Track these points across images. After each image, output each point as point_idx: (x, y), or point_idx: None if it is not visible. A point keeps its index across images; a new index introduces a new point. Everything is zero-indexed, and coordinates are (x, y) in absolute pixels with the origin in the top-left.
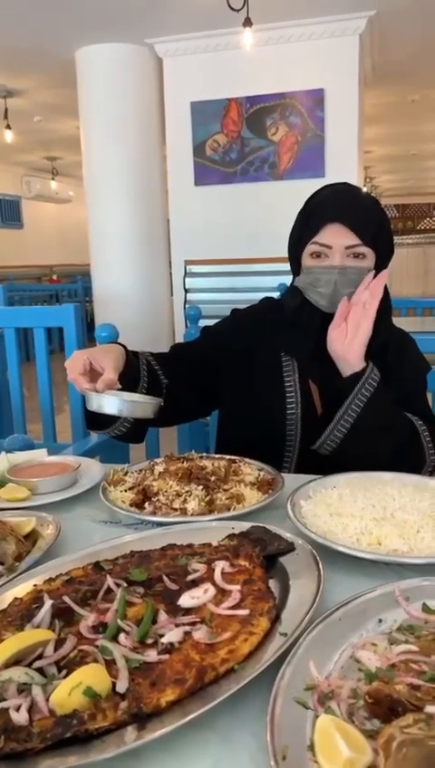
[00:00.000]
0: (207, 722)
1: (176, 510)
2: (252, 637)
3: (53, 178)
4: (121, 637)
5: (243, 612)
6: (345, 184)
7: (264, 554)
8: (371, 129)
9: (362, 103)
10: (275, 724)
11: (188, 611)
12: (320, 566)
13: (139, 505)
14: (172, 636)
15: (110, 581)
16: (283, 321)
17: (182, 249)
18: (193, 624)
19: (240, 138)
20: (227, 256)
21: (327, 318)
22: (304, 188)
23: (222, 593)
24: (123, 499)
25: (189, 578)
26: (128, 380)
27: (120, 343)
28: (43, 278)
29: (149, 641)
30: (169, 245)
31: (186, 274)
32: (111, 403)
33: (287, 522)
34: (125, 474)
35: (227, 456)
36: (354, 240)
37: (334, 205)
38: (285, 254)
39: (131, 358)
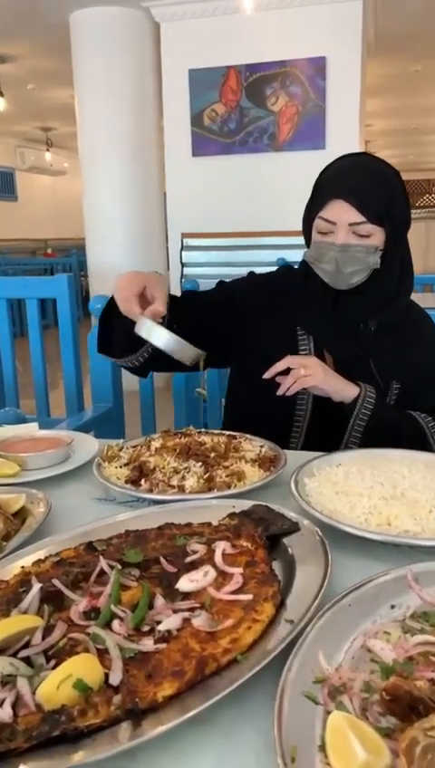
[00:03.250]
0: (209, 717)
1: (173, 487)
2: (256, 624)
3: (47, 150)
4: (115, 623)
5: (246, 597)
6: (361, 155)
7: (266, 534)
8: (372, 101)
9: (364, 73)
10: (282, 722)
11: (186, 596)
12: (327, 548)
13: (134, 482)
14: (170, 623)
15: (103, 563)
16: (299, 292)
17: (179, 222)
18: (192, 610)
19: (239, 107)
20: (225, 229)
21: (340, 292)
22: (304, 160)
23: (223, 576)
24: (118, 476)
25: (188, 559)
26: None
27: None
28: (38, 252)
29: (145, 629)
30: (165, 218)
31: (182, 248)
32: (161, 336)
33: (290, 500)
34: (120, 449)
35: (227, 432)
36: (358, 217)
37: (341, 180)
38: (285, 228)
39: None
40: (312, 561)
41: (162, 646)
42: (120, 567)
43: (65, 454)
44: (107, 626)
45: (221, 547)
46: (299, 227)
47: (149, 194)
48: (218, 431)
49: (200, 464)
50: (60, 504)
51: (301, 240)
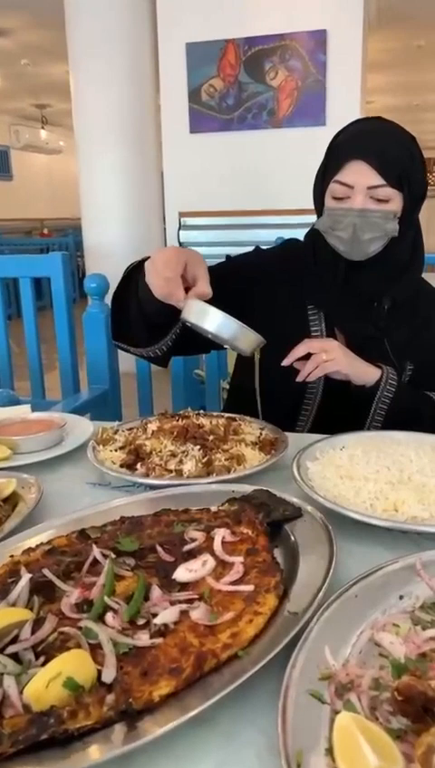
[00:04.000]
0: (208, 718)
1: (171, 472)
2: (257, 617)
3: (42, 127)
4: (109, 616)
5: (247, 588)
6: (378, 119)
7: (268, 521)
8: (373, 77)
9: (365, 47)
10: (287, 723)
11: (184, 586)
12: (332, 535)
13: (130, 466)
14: (167, 615)
15: (96, 552)
16: (307, 266)
17: (176, 200)
18: (190, 601)
19: (237, 82)
20: (224, 208)
21: (352, 264)
22: (304, 137)
23: (222, 566)
24: (113, 459)
25: (186, 548)
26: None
27: None
28: (34, 232)
29: (141, 622)
30: (162, 197)
31: (180, 227)
32: (217, 320)
33: (292, 485)
34: (115, 432)
35: (226, 414)
36: (378, 180)
37: (359, 140)
38: (285, 207)
39: None
40: (316, 549)
41: (158, 640)
42: (114, 556)
43: (58, 437)
44: (100, 619)
45: (221, 534)
46: (299, 206)
47: (146, 172)
48: (217, 413)
49: (199, 447)
50: (52, 488)
51: (301, 219)
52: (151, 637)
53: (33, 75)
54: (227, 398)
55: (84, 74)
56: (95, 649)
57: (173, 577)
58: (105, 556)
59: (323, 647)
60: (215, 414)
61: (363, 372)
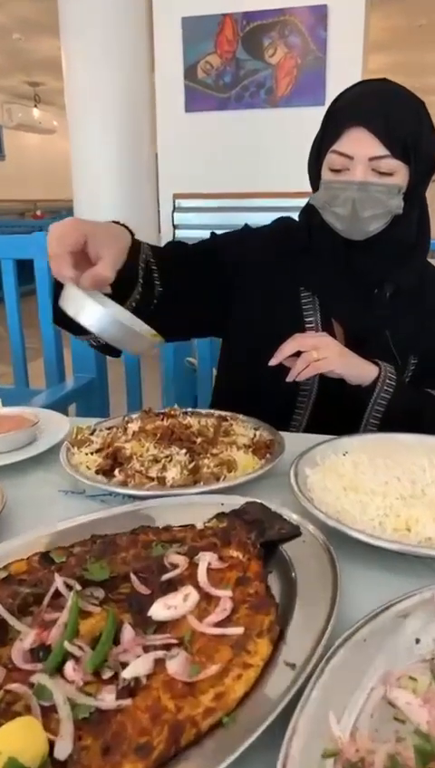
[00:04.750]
0: None
1: (152, 479)
2: (248, 671)
3: (35, 106)
4: (69, 667)
5: (235, 631)
6: (383, 80)
7: (261, 541)
8: (374, 57)
9: (368, 24)
10: None
11: (161, 626)
12: (335, 560)
13: (107, 472)
14: (138, 667)
15: (59, 582)
16: (301, 248)
17: (171, 181)
18: (167, 647)
19: (235, 59)
20: (220, 190)
21: (351, 245)
22: (304, 117)
23: (207, 600)
24: (89, 464)
25: (165, 577)
26: (118, 286)
27: (127, 228)
28: (27, 213)
29: (107, 675)
30: (157, 178)
31: (174, 209)
32: (95, 315)
33: (289, 493)
34: (92, 432)
35: (217, 413)
36: (381, 150)
37: (360, 104)
38: (283, 189)
39: (132, 255)
40: (316, 576)
41: (126, 702)
42: (79, 588)
43: (30, 436)
44: (58, 670)
45: (206, 561)
46: (298, 188)
47: (140, 152)
48: (207, 411)
49: (185, 451)
50: (19, 496)
51: (299, 202)
52: (118, 696)
53: (26, 51)
54: (213, 397)
55: (76, 49)
56: (49, 713)
57: (149, 614)
58: (69, 587)
59: (328, 712)
60: (204, 412)
61: (359, 371)
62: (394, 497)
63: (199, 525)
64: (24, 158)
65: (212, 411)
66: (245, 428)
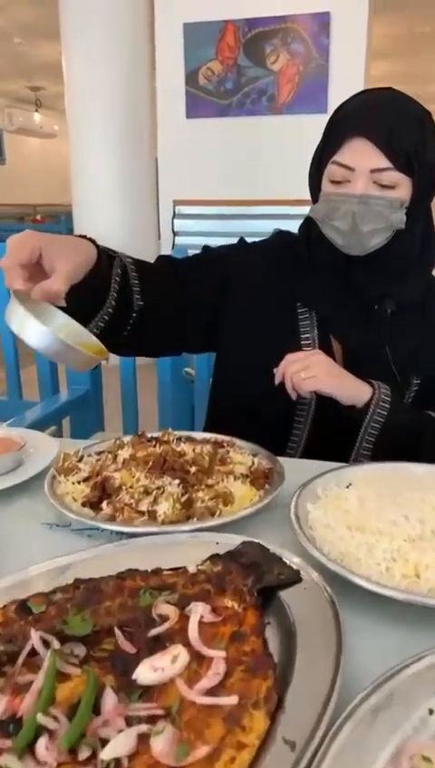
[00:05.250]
0: None
1: (142, 514)
2: (242, 753)
3: (36, 110)
4: (41, 744)
5: (229, 701)
6: (388, 90)
7: (259, 587)
8: (376, 65)
9: (370, 32)
10: None
11: (147, 690)
12: (339, 615)
13: (94, 505)
14: (119, 745)
15: (35, 638)
16: (300, 262)
17: (171, 188)
18: (153, 720)
19: (236, 66)
20: (220, 197)
21: (351, 260)
22: (305, 124)
23: (199, 660)
24: (75, 494)
25: (153, 632)
26: (87, 298)
27: (94, 242)
28: (26, 218)
29: (84, 754)
30: (157, 184)
31: (174, 216)
32: (35, 331)
33: (288, 529)
34: (80, 459)
35: (213, 437)
36: (383, 162)
37: (363, 114)
38: (283, 197)
39: (103, 265)
40: (318, 629)
41: None
42: (57, 645)
43: (16, 461)
44: (29, 747)
45: (198, 613)
46: (298, 196)
47: (140, 158)
48: (202, 437)
49: (178, 482)
50: (2, 529)
51: (300, 209)
52: None
53: (27, 55)
54: (208, 412)
55: (77, 54)
56: None
57: (133, 677)
58: (47, 643)
59: None
60: (199, 438)
61: (352, 391)
62: (402, 539)
63: (192, 569)
64: (24, 162)
65: (208, 437)
66: (242, 455)
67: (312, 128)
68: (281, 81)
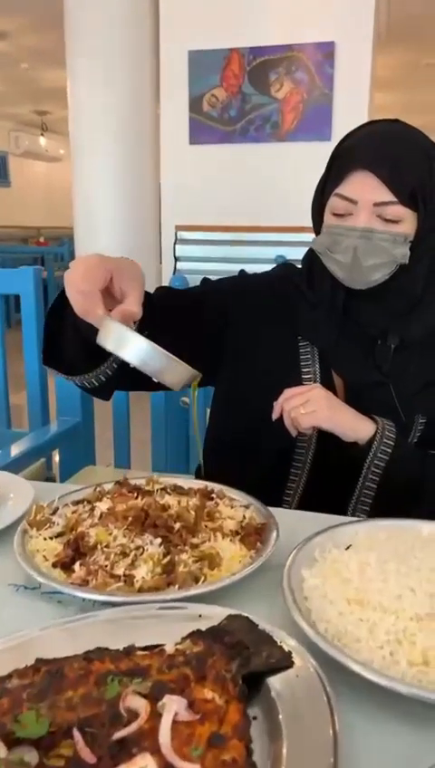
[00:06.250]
0: None
1: (118, 578)
2: None
3: (42, 134)
4: None
5: None
6: (394, 122)
7: (245, 672)
8: (379, 95)
9: (374, 62)
10: None
11: None
12: (333, 710)
13: (67, 565)
14: None
15: None
16: (301, 295)
17: (173, 213)
18: None
19: (241, 93)
20: (223, 223)
21: (354, 293)
22: (309, 152)
23: None
24: (47, 552)
25: (117, 735)
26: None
27: None
28: (30, 240)
29: None
30: (159, 209)
31: (176, 241)
32: (139, 349)
33: (279, 595)
34: (54, 512)
35: (202, 486)
36: (387, 196)
37: (367, 147)
38: (286, 224)
39: None
40: (310, 730)
41: None
42: (4, 754)
43: None
44: None
45: (172, 711)
46: (301, 223)
47: (143, 183)
48: (189, 486)
49: (159, 540)
50: None
51: (303, 237)
52: None
53: (34, 80)
54: (204, 450)
55: (82, 80)
56: None
57: None
58: None
59: None
60: (187, 487)
61: (353, 426)
62: (408, 617)
63: (169, 648)
64: (29, 185)
65: (196, 486)
66: (233, 509)
67: (315, 155)
68: (285, 109)
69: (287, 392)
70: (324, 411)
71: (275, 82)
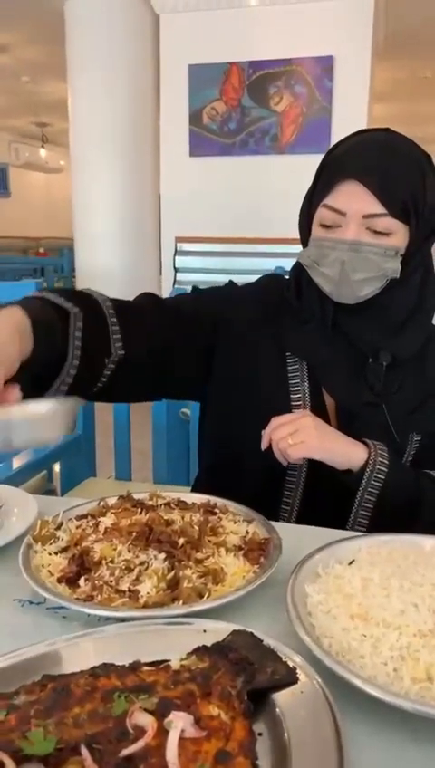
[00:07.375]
0: None
1: (123, 594)
2: None
3: (42, 146)
4: None
5: None
6: (385, 131)
7: (249, 689)
8: (377, 107)
9: (373, 75)
10: None
11: None
12: (340, 734)
13: (72, 581)
14: None
15: None
16: (289, 308)
17: (173, 225)
18: None
19: (240, 106)
20: (222, 234)
21: (343, 307)
22: (308, 164)
23: None
24: (52, 567)
25: (124, 752)
26: (46, 362)
27: (41, 299)
28: (30, 251)
29: None
30: (159, 220)
31: (176, 252)
32: (21, 432)
33: (283, 610)
34: (58, 527)
35: (205, 501)
36: (377, 207)
37: (357, 155)
38: (285, 235)
39: (53, 323)
40: (315, 746)
41: None
42: None
43: None
44: None
45: (178, 729)
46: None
47: (143, 194)
48: (192, 501)
49: (164, 555)
50: None
51: (301, 248)
52: None
53: (34, 93)
54: (199, 466)
55: (83, 92)
56: None
57: None
58: (1, 764)
59: None
60: (190, 502)
61: (345, 454)
62: (412, 633)
63: (175, 664)
64: (29, 196)
65: (199, 500)
66: (236, 523)
67: (314, 168)
68: (284, 122)
69: (275, 421)
70: (314, 441)
71: (274, 96)
